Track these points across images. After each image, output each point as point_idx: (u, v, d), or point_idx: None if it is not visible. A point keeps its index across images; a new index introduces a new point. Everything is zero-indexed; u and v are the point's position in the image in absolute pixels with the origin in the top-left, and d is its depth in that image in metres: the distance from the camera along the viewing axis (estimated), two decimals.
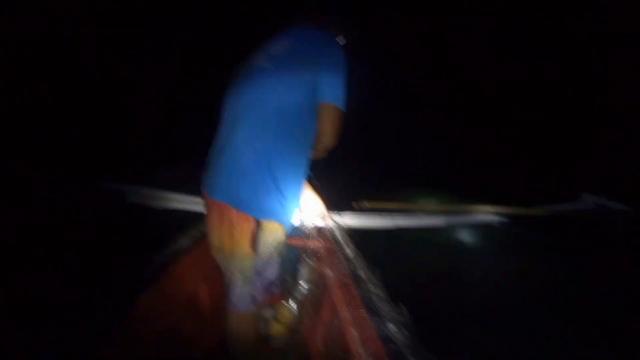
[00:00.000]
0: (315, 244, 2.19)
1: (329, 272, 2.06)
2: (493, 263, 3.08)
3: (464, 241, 2.75)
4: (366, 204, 2.09)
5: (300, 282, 2.35)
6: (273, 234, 1.63)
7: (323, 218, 1.95)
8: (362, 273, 1.80)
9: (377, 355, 1.24)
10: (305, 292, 2.33)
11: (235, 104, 1.66)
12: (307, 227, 2.09)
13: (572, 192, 3.07)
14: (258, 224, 1.61)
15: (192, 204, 2.71)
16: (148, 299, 1.64)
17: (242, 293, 1.64)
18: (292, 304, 2.28)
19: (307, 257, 2.24)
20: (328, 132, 1.61)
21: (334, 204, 2.20)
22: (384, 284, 1.71)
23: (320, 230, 2.19)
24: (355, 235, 2.15)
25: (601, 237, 3.15)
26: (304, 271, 2.35)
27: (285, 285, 2.41)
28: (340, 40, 1.82)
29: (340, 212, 2.19)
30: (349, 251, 2.00)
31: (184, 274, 1.95)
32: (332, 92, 1.59)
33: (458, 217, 2.29)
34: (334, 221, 2.14)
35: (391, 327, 1.40)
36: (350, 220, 2.22)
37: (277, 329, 2.28)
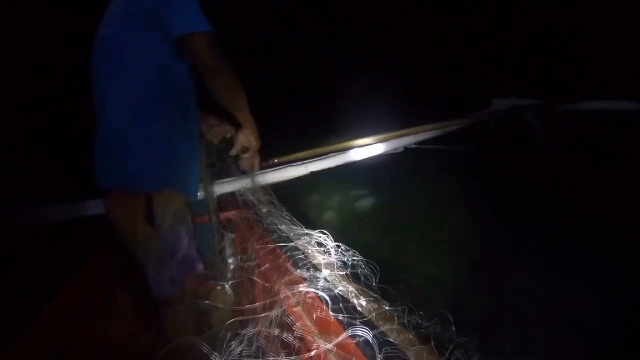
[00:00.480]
0: (231, 214, 2.02)
1: (250, 240, 1.92)
2: (420, 188, 3.06)
3: (385, 171, 2.68)
4: (275, 160, 1.92)
5: (227, 259, 2.18)
6: (168, 203, 1.47)
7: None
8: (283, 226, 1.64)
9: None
10: (233, 267, 2.17)
11: (96, 83, 1.51)
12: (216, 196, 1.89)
13: (483, 100, 3.09)
14: (150, 198, 1.47)
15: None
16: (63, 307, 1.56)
17: (159, 278, 1.49)
18: (226, 285, 2.12)
19: (225, 231, 2.06)
20: (204, 65, 1.39)
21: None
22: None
23: (230, 199, 2.01)
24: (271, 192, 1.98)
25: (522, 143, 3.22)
26: (227, 246, 2.18)
27: (213, 268, 2.26)
28: None
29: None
30: (265, 210, 1.83)
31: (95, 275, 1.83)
32: (183, 20, 1.36)
33: (373, 148, 2.17)
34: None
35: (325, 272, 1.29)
36: (263, 178, 2.04)
37: (219, 316, 2.13)
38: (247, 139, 1.68)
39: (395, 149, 2.25)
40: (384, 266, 1.14)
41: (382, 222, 2.64)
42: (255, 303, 1.93)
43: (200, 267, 1.62)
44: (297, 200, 1.95)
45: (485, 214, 2.73)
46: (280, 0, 5.49)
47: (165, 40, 1.40)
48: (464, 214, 2.82)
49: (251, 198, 1.92)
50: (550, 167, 3.09)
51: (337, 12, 5.65)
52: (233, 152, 1.77)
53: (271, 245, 1.55)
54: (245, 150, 1.75)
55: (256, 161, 1.81)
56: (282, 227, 1.56)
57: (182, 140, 1.53)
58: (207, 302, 2.14)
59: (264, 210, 1.79)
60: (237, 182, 1.96)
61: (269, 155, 2.12)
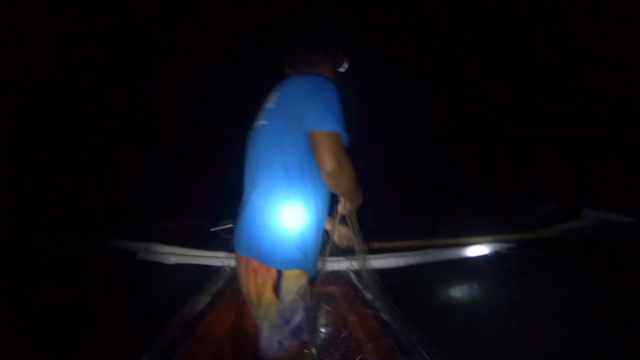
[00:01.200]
0: (332, 289, 2.22)
1: (348, 315, 2.09)
2: (508, 290, 3.11)
3: (476, 272, 2.79)
4: (376, 245, 2.14)
5: (319, 327, 2.37)
6: (294, 280, 1.66)
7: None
8: (385, 315, 1.87)
9: None
10: (324, 337, 2.35)
11: (247, 164, 1.78)
12: (322, 272, 2.11)
13: (574, 210, 3.15)
14: (280, 272, 1.65)
15: (198, 256, 2.74)
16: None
17: (270, 340, 1.67)
18: (314, 350, 2.29)
19: (324, 302, 2.26)
20: (322, 159, 1.53)
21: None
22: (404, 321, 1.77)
23: (336, 275, 2.22)
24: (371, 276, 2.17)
25: (608, 252, 3.20)
26: (321, 316, 2.38)
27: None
28: (344, 65, 1.95)
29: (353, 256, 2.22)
30: (368, 294, 2.03)
31: (215, 326, 1.98)
32: (316, 119, 1.55)
33: (467, 249, 2.34)
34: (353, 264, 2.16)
35: None
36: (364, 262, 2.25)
37: None
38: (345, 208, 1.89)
39: (487, 252, 2.40)
40: None
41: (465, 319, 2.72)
42: None
43: (306, 337, 1.77)
44: (394, 287, 2.13)
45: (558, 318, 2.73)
46: None
47: (303, 138, 1.61)
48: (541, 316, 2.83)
49: (355, 281, 2.11)
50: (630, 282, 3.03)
51: None
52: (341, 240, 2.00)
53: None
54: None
55: (348, 235, 2.01)
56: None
57: (315, 227, 1.72)
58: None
59: (368, 296, 1.97)
60: (345, 262, 2.16)
61: (370, 239, 2.30)
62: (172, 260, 2.71)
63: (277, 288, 1.66)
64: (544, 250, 2.66)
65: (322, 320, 2.37)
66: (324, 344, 2.34)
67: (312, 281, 2.12)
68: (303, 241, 1.68)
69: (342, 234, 2.03)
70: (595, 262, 3.29)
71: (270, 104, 1.76)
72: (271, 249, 1.65)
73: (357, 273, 2.17)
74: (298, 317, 1.69)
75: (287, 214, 1.66)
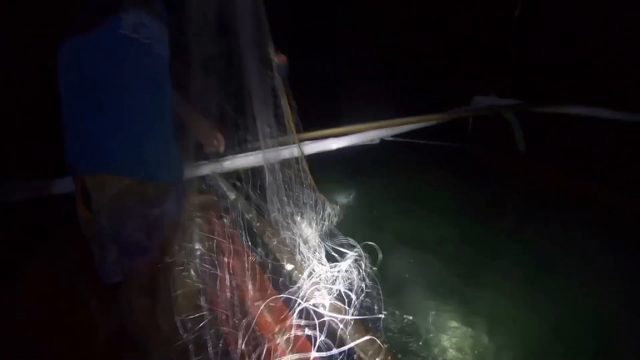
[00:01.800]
0: (198, 199, 1.97)
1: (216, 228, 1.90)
2: (394, 181, 3.05)
3: (361, 162, 2.66)
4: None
5: (194, 244, 2.14)
6: (102, 188, 1.34)
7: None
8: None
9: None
10: (199, 253, 2.13)
11: None
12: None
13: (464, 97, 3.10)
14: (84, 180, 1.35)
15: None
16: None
17: (103, 263, 1.40)
18: (192, 272, 2.08)
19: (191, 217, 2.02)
20: None
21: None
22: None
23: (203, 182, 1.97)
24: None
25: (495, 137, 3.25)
26: (194, 232, 2.13)
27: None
28: None
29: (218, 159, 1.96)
30: (233, 196, 1.79)
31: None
32: None
33: (349, 138, 2.15)
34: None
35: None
36: (233, 163, 2.00)
37: (184, 302, 2.09)
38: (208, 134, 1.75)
39: (372, 140, 2.22)
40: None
41: (355, 214, 2.62)
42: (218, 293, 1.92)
43: (151, 254, 1.52)
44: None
45: (457, 211, 2.73)
46: None
47: None
48: (435, 210, 2.82)
49: (222, 185, 1.88)
50: (527, 166, 3.13)
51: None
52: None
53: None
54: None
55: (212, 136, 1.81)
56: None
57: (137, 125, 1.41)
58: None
59: (232, 197, 1.75)
60: (207, 166, 1.91)
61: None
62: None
63: (87, 200, 1.35)
64: (433, 137, 2.58)
65: (195, 235, 2.14)
66: (200, 263, 2.14)
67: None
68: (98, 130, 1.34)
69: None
70: (485, 148, 3.35)
71: None
72: (70, 149, 1.34)
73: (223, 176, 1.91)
74: (126, 232, 1.38)
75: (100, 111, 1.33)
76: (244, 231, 1.59)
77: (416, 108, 2.56)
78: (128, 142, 1.38)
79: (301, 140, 2.06)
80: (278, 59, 1.79)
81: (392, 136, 2.29)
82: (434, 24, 5.37)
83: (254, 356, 1.14)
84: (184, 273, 2.07)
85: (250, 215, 1.58)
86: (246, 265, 1.47)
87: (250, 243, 1.54)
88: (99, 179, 1.33)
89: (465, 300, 2.14)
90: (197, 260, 2.15)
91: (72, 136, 1.33)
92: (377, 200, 2.88)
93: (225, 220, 1.75)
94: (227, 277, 1.73)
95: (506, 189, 3.16)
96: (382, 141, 2.27)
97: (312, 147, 2.03)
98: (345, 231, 1.54)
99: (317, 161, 2.10)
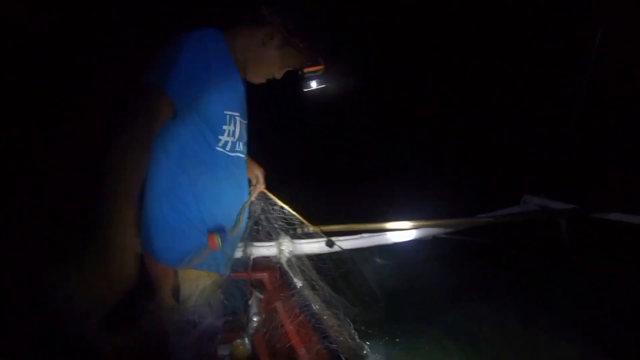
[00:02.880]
0: (261, 275, 2.13)
1: (278, 305, 2.03)
2: (446, 277, 3.15)
3: (412, 257, 2.79)
4: (310, 228, 2.06)
5: (251, 316, 2.30)
6: (193, 282, 1.47)
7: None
8: (315, 304, 1.77)
9: None
10: (256, 325, 2.28)
11: None
12: (249, 258, 2.01)
13: (513, 197, 3.20)
14: (176, 272, 1.46)
15: None
16: None
17: (178, 346, 1.52)
18: (246, 340, 2.22)
19: (254, 290, 2.18)
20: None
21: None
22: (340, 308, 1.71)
23: (266, 261, 2.13)
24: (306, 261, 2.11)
25: (547, 239, 3.28)
26: (253, 304, 2.30)
27: (238, 321, 2.36)
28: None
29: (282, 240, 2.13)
30: (298, 280, 1.95)
31: None
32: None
33: (403, 233, 2.31)
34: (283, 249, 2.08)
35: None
36: (295, 247, 2.17)
37: None
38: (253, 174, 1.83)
39: (425, 236, 2.38)
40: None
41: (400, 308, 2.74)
42: None
43: (219, 336, 1.68)
44: (324, 272, 2.07)
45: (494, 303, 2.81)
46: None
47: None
48: (481, 303, 2.89)
49: (286, 267, 2.04)
50: (570, 266, 3.15)
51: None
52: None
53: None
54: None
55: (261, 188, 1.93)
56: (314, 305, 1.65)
57: (217, 216, 1.50)
58: (227, 351, 2.27)
59: (297, 282, 1.90)
60: (276, 246, 2.08)
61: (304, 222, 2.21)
62: None
63: (175, 290, 1.46)
64: (482, 235, 2.69)
65: (254, 308, 2.30)
66: (256, 332, 2.28)
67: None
68: (195, 238, 1.45)
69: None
70: (532, 248, 3.40)
71: None
72: (159, 245, 1.44)
73: (288, 258, 2.08)
74: (206, 321, 1.52)
75: (172, 206, 1.43)
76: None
77: (469, 204, 2.72)
78: (229, 243, 1.55)
79: (360, 231, 2.25)
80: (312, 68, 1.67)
81: (445, 234, 2.44)
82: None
83: None
84: (238, 340, 2.22)
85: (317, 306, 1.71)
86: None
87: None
88: (195, 273, 1.46)
89: None
90: (252, 330, 2.31)
91: (174, 228, 1.43)
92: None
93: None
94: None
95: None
96: (435, 238, 2.42)
97: (371, 240, 2.21)
98: None
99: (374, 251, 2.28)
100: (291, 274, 2.00)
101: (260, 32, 1.48)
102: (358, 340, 1.44)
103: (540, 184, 3.64)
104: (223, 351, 2.34)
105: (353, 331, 1.55)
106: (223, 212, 1.54)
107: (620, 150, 4.18)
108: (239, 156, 1.56)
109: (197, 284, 1.48)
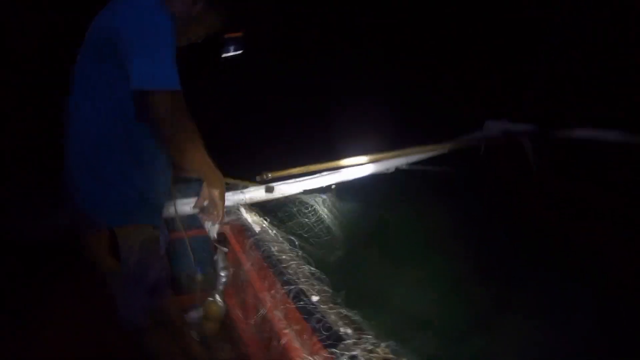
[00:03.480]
0: (223, 228, 2.07)
1: (242, 256, 1.97)
2: (410, 209, 3.14)
3: (375, 192, 2.75)
4: (269, 175, 1.98)
5: (219, 271, 2.24)
6: (131, 238, 1.45)
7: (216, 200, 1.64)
8: (275, 249, 1.71)
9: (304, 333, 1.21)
10: (225, 280, 2.23)
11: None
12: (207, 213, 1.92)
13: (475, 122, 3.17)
14: (113, 234, 1.45)
15: None
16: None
17: (128, 308, 1.51)
18: (217, 297, 2.18)
19: (218, 244, 2.11)
20: (160, 123, 1.29)
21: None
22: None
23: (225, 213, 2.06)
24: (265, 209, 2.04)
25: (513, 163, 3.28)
26: (220, 259, 2.24)
27: (207, 280, 2.31)
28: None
29: (242, 189, 2.06)
30: (256, 226, 1.89)
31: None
32: (143, 74, 1.25)
33: (365, 168, 2.25)
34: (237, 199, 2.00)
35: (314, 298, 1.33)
36: (256, 194, 2.10)
37: (209, 327, 2.19)
38: (210, 196, 1.57)
39: (387, 169, 2.33)
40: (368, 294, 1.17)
41: (369, 247, 2.74)
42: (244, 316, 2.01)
43: (169, 290, 1.64)
44: (288, 219, 2.02)
45: (473, 239, 2.82)
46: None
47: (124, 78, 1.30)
48: (452, 238, 2.91)
49: (245, 216, 1.98)
50: (541, 192, 3.18)
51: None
52: (194, 207, 1.72)
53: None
54: (206, 208, 1.66)
55: (220, 214, 1.63)
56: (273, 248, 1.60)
57: (141, 174, 1.47)
58: (199, 312, 2.22)
59: (256, 229, 1.84)
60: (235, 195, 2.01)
61: (263, 171, 2.15)
62: None
63: (114, 251, 1.48)
64: (445, 165, 2.66)
65: (220, 263, 2.25)
66: (226, 287, 2.23)
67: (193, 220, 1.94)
68: (126, 191, 1.44)
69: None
70: (499, 174, 3.41)
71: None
72: (91, 207, 1.44)
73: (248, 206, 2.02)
74: (152, 275, 1.49)
75: (101, 164, 1.42)
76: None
77: (428, 135, 2.67)
78: (151, 192, 1.50)
79: (319, 171, 2.18)
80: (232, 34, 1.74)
81: (407, 165, 2.39)
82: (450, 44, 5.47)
83: None
84: (209, 299, 2.18)
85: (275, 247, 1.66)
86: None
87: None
88: (126, 229, 1.45)
89: None
90: (222, 286, 2.26)
91: (92, 191, 1.42)
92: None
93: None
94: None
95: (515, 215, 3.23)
96: (397, 170, 2.37)
97: (331, 178, 2.15)
98: None
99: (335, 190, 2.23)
100: (250, 221, 1.94)
101: None
102: (318, 275, 1.39)
103: (503, 110, 3.63)
104: (195, 313, 2.30)
105: (314, 269, 1.50)
106: (150, 165, 1.51)
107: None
108: None
109: (135, 239, 1.45)
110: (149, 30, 1.27)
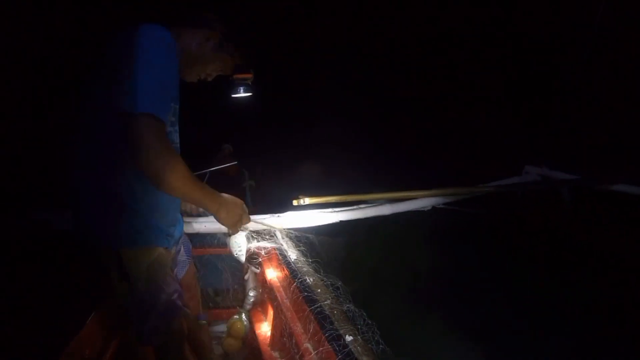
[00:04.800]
0: (256, 249, 2.09)
1: (274, 279, 1.99)
2: (444, 248, 3.10)
3: (411, 228, 2.74)
4: (305, 200, 1.99)
5: (248, 291, 2.26)
6: (137, 260, 1.44)
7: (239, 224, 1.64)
8: (309, 277, 1.72)
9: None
10: (253, 300, 2.25)
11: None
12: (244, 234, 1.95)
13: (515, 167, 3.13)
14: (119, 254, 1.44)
15: None
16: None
17: (143, 329, 1.48)
18: (243, 316, 2.20)
19: (250, 264, 2.14)
20: (134, 154, 1.18)
21: (272, 205, 2.10)
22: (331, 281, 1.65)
23: (260, 235, 2.08)
24: (299, 235, 2.05)
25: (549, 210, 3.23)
26: (250, 279, 2.26)
27: (234, 297, 2.33)
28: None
29: (279, 214, 2.08)
30: (293, 254, 1.90)
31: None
32: (122, 96, 1.20)
33: (402, 205, 2.25)
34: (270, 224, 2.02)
35: (344, 330, 1.33)
36: (290, 220, 2.12)
37: (230, 343, 2.21)
38: (226, 224, 1.51)
39: (424, 207, 2.32)
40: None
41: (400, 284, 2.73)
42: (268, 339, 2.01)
43: (184, 310, 1.60)
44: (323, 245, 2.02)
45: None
46: None
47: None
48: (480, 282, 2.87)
49: (280, 242, 1.99)
50: (575, 245, 3.10)
51: None
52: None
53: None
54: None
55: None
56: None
57: (149, 198, 1.45)
58: (223, 328, 2.24)
59: (292, 256, 1.85)
60: (268, 220, 2.03)
61: (299, 194, 2.14)
62: None
63: (123, 274, 1.44)
64: (482, 207, 2.63)
65: (250, 283, 2.27)
66: (253, 307, 2.25)
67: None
68: (135, 211, 1.43)
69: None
70: (535, 222, 3.35)
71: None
72: (92, 229, 1.44)
73: (283, 231, 2.03)
74: (163, 298, 1.48)
75: (101, 185, 1.41)
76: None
77: (469, 176, 2.66)
78: (160, 217, 1.50)
79: (356, 202, 2.19)
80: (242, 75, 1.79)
81: (443, 204, 2.37)
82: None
83: None
84: (235, 317, 2.20)
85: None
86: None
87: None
88: (133, 252, 1.43)
89: None
90: (249, 306, 2.27)
91: (98, 212, 1.42)
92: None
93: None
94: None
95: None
96: (434, 208, 2.36)
97: (369, 212, 2.16)
98: None
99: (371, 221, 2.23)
100: (285, 247, 1.96)
101: (199, 33, 1.55)
102: (351, 308, 1.39)
103: (543, 156, 3.58)
104: (220, 328, 2.32)
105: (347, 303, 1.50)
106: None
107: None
108: (176, 145, 1.56)
109: (141, 262, 1.44)
110: (138, 55, 1.22)
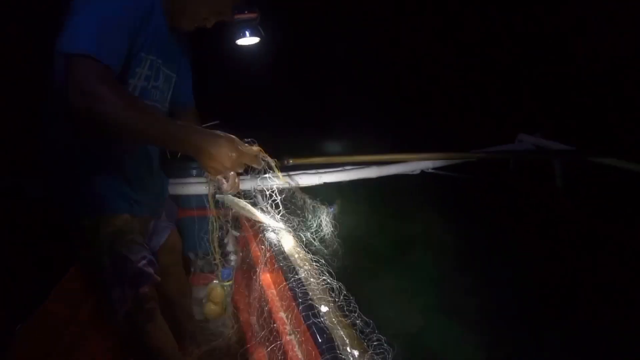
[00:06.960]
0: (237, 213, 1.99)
1: (252, 244, 1.91)
2: (430, 215, 3.06)
3: (397, 192, 2.68)
4: (290, 161, 1.89)
5: (228, 255, 2.19)
6: (97, 232, 1.36)
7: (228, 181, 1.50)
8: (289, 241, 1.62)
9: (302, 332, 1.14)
10: (233, 264, 2.18)
11: None
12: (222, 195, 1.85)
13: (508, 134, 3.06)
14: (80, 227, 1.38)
15: None
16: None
17: (111, 303, 1.40)
18: (216, 281, 2.12)
19: (230, 227, 2.05)
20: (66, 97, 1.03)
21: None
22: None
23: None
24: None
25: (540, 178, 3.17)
26: (230, 243, 2.19)
27: (211, 261, 2.26)
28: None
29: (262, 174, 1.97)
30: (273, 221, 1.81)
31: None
32: (61, 39, 1.08)
33: (390, 168, 2.16)
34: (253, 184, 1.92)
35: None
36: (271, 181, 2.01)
37: (211, 309, 2.14)
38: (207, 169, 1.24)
39: (412, 171, 2.24)
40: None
41: (383, 248, 2.68)
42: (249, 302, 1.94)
43: (154, 277, 1.48)
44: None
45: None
46: None
47: None
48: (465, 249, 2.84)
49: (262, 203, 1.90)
50: (563, 210, 3.06)
51: None
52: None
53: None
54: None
55: (235, 181, 1.45)
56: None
57: (101, 152, 1.38)
58: (203, 293, 2.17)
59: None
60: (250, 182, 1.93)
61: (285, 154, 2.04)
62: None
63: (85, 244, 1.38)
64: (472, 173, 2.57)
65: (231, 246, 2.20)
66: (233, 272, 2.18)
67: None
68: (92, 173, 1.36)
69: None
70: (524, 191, 3.29)
71: None
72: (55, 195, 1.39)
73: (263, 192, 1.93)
74: (129, 266, 1.39)
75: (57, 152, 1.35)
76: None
77: (458, 141, 2.59)
78: (128, 181, 1.44)
79: (342, 163, 2.10)
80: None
81: (433, 169, 2.29)
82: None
83: None
84: (214, 282, 2.13)
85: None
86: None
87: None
88: (95, 220, 1.36)
89: None
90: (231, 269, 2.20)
91: (67, 184, 1.36)
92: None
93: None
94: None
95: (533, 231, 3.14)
96: (422, 173, 2.28)
97: (354, 174, 2.07)
98: None
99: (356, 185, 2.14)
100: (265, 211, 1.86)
101: None
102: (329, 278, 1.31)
103: (539, 124, 3.50)
104: (199, 293, 2.25)
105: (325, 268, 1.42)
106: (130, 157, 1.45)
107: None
108: (154, 105, 1.45)
109: (105, 231, 1.37)
110: None
